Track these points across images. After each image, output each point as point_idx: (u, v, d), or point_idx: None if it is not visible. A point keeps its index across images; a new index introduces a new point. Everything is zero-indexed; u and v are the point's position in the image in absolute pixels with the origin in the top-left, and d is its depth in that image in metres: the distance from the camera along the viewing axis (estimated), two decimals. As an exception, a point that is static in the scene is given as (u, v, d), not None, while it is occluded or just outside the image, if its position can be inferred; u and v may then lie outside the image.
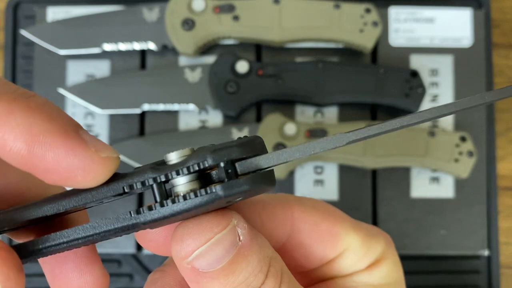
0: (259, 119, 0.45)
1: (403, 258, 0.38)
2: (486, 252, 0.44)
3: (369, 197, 0.44)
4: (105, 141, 0.45)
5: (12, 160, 0.16)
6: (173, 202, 0.17)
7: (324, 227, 0.23)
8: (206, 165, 0.17)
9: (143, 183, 0.17)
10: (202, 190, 0.17)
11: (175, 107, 0.44)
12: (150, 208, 0.17)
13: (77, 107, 0.45)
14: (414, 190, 0.45)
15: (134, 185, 0.17)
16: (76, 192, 0.17)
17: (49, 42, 0.45)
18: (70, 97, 0.44)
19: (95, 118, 0.45)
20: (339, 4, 0.44)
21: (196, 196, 0.17)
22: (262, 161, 0.17)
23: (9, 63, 0.46)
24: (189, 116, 0.45)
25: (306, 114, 0.45)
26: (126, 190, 0.17)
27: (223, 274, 0.18)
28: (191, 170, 0.17)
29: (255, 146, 0.18)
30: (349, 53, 0.45)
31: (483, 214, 0.45)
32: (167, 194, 0.17)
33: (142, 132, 0.45)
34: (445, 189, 0.45)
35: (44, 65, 0.45)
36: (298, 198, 0.24)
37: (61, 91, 0.44)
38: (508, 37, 0.49)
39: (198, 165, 0.17)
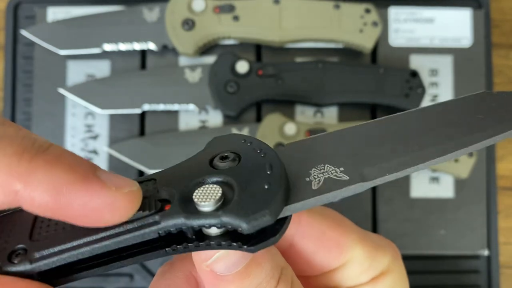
0: (259, 119, 0.45)
1: (403, 258, 0.38)
2: (485, 252, 0.44)
3: (369, 197, 0.45)
4: (105, 141, 0.45)
5: (41, 213, 0.17)
6: (207, 245, 0.18)
7: (331, 236, 0.24)
8: (241, 231, 0.18)
9: (178, 229, 0.18)
10: (235, 245, 0.18)
11: (175, 107, 0.44)
12: (185, 247, 0.18)
13: (77, 107, 0.45)
14: (414, 190, 0.45)
15: (170, 231, 0.18)
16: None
17: (49, 42, 0.45)
18: (70, 97, 0.44)
19: (95, 118, 0.45)
20: (339, 4, 0.44)
21: (229, 246, 0.18)
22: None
23: (10, 63, 0.46)
24: (189, 116, 0.45)
25: (306, 114, 0.45)
26: (161, 234, 0.18)
27: (238, 278, 0.19)
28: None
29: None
30: (349, 53, 0.46)
31: (483, 214, 0.45)
32: (201, 236, 0.18)
33: (142, 132, 0.45)
34: (445, 189, 0.45)
35: (44, 65, 0.45)
36: None
37: (61, 91, 0.44)
38: (508, 37, 0.49)
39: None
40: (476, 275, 0.45)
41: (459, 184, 0.45)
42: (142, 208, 0.18)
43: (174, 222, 0.18)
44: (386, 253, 0.25)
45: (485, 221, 0.45)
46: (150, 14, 0.45)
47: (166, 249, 0.18)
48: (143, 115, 0.45)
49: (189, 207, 0.18)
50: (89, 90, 0.44)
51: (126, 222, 0.18)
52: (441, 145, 0.20)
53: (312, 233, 0.24)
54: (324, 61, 0.44)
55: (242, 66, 0.43)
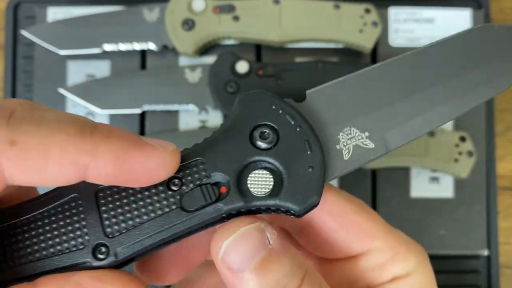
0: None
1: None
2: (485, 252, 0.44)
3: (369, 197, 0.45)
4: (105, 141, 0.45)
5: (107, 181, 0.19)
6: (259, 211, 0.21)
7: (354, 220, 0.23)
8: (293, 212, 0.20)
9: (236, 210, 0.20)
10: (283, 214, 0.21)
11: (175, 107, 0.44)
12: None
13: (77, 107, 0.45)
14: (413, 190, 0.45)
15: (232, 213, 0.20)
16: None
17: (49, 42, 0.45)
18: (71, 97, 0.44)
19: (96, 118, 0.45)
20: (339, 4, 0.44)
21: (276, 212, 0.21)
22: None
23: (10, 63, 0.46)
24: (189, 116, 0.45)
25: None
26: (223, 216, 0.20)
27: (255, 273, 0.19)
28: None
29: None
30: (349, 53, 0.46)
31: (483, 214, 0.45)
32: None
33: (142, 132, 0.45)
34: (445, 189, 0.45)
35: (44, 65, 0.45)
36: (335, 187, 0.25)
37: (62, 91, 0.44)
38: (508, 37, 0.49)
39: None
40: (476, 275, 0.45)
41: (459, 184, 0.45)
42: (203, 195, 0.20)
43: (235, 207, 0.20)
44: (411, 252, 0.24)
45: (485, 221, 0.45)
46: (150, 14, 0.45)
47: (225, 219, 0.21)
48: (143, 115, 0.45)
49: (245, 193, 0.20)
50: (89, 90, 0.44)
51: (193, 211, 0.20)
52: (455, 99, 0.21)
53: (336, 212, 0.23)
54: (324, 61, 0.44)
55: (242, 66, 0.43)
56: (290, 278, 0.20)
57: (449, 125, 0.45)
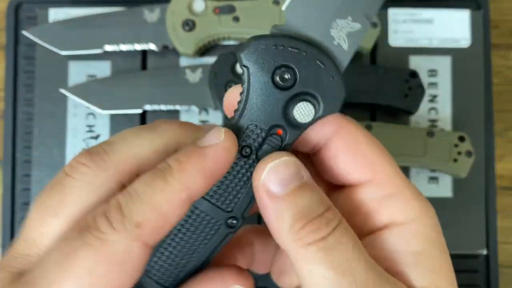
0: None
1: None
2: (484, 252, 0.45)
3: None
4: (106, 141, 0.45)
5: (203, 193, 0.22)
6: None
7: (365, 149, 0.24)
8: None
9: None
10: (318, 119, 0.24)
11: (175, 107, 0.44)
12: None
13: (78, 108, 0.45)
14: (413, 190, 0.45)
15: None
16: None
17: (51, 43, 0.45)
18: (72, 97, 0.45)
19: (97, 119, 0.45)
20: (338, 5, 0.44)
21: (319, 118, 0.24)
22: None
23: (11, 63, 0.46)
24: (190, 116, 0.45)
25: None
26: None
27: (289, 197, 0.22)
28: None
29: None
30: (349, 53, 0.46)
31: (482, 214, 0.45)
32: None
33: (143, 132, 0.45)
34: (444, 189, 0.45)
35: (45, 66, 0.46)
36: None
37: (63, 91, 0.45)
38: (507, 37, 0.49)
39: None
40: (475, 274, 0.45)
41: (458, 183, 0.45)
42: (271, 146, 0.23)
43: (294, 138, 0.24)
44: (416, 198, 0.24)
45: (484, 220, 0.45)
46: (151, 15, 0.45)
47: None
48: (143, 115, 0.45)
49: (296, 125, 0.23)
50: (90, 91, 0.44)
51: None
52: None
53: (348, 139, 0.24)
54: (323, 61, 0.44)
55: (242, 67, 0.44)
56: (316, 207, 0.22)
57: (448, 125, 0.45)
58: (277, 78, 0.23)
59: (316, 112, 0.23)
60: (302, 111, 0.23)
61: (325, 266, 0.21)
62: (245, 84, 0.23)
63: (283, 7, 0.23)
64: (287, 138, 0.23)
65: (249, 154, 0.24)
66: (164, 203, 0.21)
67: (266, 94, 0.23)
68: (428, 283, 0.23)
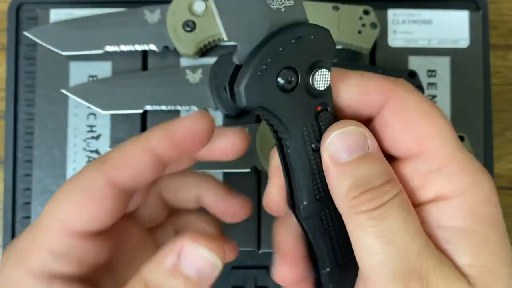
0: (259, 119, 0.45)
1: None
2: (483, 251, 0.45)
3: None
4: (107, 141, 0.45)
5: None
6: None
7: (415, 119, 0.23)
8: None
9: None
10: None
11: (176, 107, 0.44)
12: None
13: (79, 108, 0.45)
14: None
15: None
16: None
17: (52, 44, 0.45)
18: (73, 97, 0.45)
19: (97, 119, 0.45)
20: (337, 6, 0.44)
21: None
22: None
23: (12, 64, 0.47)
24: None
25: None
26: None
27: (352, 165, 0.22)
28: None
29: None
30: (348, 54, 0.46)
31: (481, 213, 0.45)
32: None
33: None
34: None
35: (46, 66, 0.46)
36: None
37: (64, 91, 0.45)
38: (506, 38, 0.50)
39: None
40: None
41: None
42: (325, 121, 0.24)
43: (330, 105, 0.24)
44: (467, 171, 0.23)
45: (483, 220, 0.45)
46: (151, 15, 0.45)
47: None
48: (144, 115, 0.45)
49: (321, 93, 0.24)
50: (91, 91, 0.45)
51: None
52: None
53: (400, 107, 0.24)
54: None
55: (242, 67, 0.44)
56: (376, 178, 0.22)
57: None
58: (285, 86, 0.23)
59: (329, 70, 0.24)
60: (320, 80, 0.23)
61: (372, 235, 0.22)
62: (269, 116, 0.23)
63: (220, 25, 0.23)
64: (329, 108, 0.24)
65: (318, 148, 0.24)
66: (129, 151, 0.26)
67: (291, 103, 0.23)
68: (472, 261, 0.22)
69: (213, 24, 0.44)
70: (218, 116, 0.45)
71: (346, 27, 0.44)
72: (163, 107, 0.44)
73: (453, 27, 0.46)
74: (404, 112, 0.24)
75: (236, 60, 0.23)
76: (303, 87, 0.23)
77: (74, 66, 0.46)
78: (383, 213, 0.22)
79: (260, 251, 0.43)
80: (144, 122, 0.45)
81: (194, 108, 0.44)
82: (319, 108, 0.24)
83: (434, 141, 0.23)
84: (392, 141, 0.24)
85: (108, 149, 0.45)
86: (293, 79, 0.23)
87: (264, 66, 0.22)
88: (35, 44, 0.46)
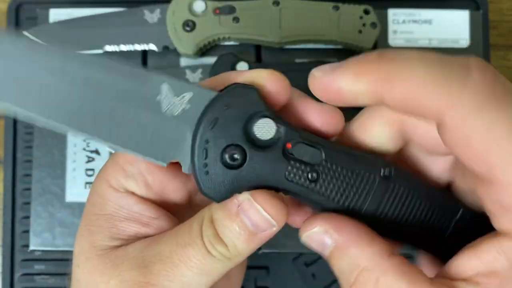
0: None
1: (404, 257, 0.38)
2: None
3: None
4: (106, 141, 0.45)
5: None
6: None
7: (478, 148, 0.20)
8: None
9: None
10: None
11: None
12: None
13: (79, 108, 0.45)
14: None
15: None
16: None
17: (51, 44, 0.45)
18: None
19: (97, 119, 0.45)
20: (338, 5, 0.44)
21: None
22: None
23: (12, 64, 0.47)
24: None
25: (305, 114, 0.45)
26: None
27: (331, 261, 0.23)
28: None
29: None
30: (348, 54, 0.46)
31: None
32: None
33: (143, 132, 0.45)
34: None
35: (46, 66, 0.46)
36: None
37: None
38: (506, 38, 0.50)
39: None
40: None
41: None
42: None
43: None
44: None
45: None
46: (151, 15, 0.45)
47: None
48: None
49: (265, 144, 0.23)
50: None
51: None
52: None
53: (459, 139, 0.20)
54: (323, 61, 0.44)
55: (242, 67, 0.44)
56: (349, 274, 0.23)
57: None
58: (230, 162, 0.23)
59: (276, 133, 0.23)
60: (261, 129, 0.23)
61: None
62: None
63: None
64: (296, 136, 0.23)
65: (316, 179, 0.23)
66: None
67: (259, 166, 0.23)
68: None
69: (213, 24, 0.44)
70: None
71: (346, 27, 0.44)
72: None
73: (453, 27, 0.46)
74: (466, 145, 0.20)
75: (187, 171, 0.24)
76: (255, 149, 0.23)
77: (73, 66, 0.46)
78: None
79: (260, 252, 0.43)
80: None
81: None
82: (288, 145, 0.23)
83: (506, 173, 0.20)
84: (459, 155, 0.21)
85: (108, 149, 0.45)
86: (238, 154, 0.23)
87: (205, 161, 0.22)
88: (34, 44, 0.46)
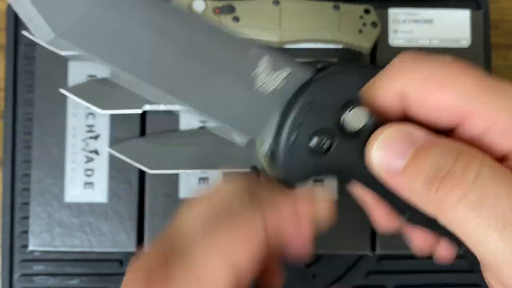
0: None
1: (403, 257, 0.38)
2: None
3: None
4: (106, 141, 0.45)
5: None
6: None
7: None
8: None
9: None
10: None
11: (175, 108, 0.44)
12: None
13: (78, 108, 0.45)
14: (413, 190, 0.45)
15: None
16: None
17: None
18: (72, 97, 0.45)
19: (96, 118, 0.45)
20: (338, 5, 0.44)
21: None
22: None
23: (11, 63, 0.46)
24: (190, 117, 0.45)
25: (305, 114, 0.45)
26: None
27: (411, 167, 0.20)
28: None
29: None
30: (349, 53, 0.46)
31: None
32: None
33: (143, 132, 0.45)
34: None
35: (45, 66, 0.46)
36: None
37: (63, 91, 0.45)
38: (507, 37, 0.49)
39: None
40: (476, 274, 0.45)
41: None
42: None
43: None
44: None
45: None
46: (151, 15, 0.45)
47: None
48: (143, 115, 0.45)
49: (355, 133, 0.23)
50: (90, 91, 0.44)
51: None
52: None
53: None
54: (323, 61, 0.44)
55: (242, 67, 0.44)
56: (444, 162, 0.19)
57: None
58: (316, 147, 0.22)
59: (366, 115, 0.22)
60: (355, 119, 0.22)
61: (482, 225, 0.18)
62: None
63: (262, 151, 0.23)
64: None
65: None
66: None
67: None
68: None
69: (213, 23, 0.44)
70: (218, 116, 0.45)
71: (346, 27, 0.44)
72: (162, 107, 0.44)
73: (454, 27, 0.46)
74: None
75: (264, 151, 0.23)
76: (342, 137, 0.22)
77: (73, 66, 0.46)
78: (478, 196, 0.18)
79: (260, 252, 0.43)
80: (143, 122, 0.45)
81: (194, 107, 0.44)
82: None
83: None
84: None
85: (107, 149, 0.44)
86: (326, 140, 0.22)
87: (291, 143, 0.22)
88: (34, 44, 0.46)
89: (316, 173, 0.22)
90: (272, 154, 0.22)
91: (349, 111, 0.22)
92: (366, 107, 0.22)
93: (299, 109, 0.22)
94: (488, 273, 0.22)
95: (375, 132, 0.21)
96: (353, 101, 0.22)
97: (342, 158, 0.22)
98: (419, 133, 0.20)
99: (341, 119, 0.22)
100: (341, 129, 0.22)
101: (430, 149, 0.20)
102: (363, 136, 0.22)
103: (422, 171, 0.19)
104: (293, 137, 0.22)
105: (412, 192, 0.20)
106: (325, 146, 0.22)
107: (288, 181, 0.22)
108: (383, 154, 0.21)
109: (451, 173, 0.19)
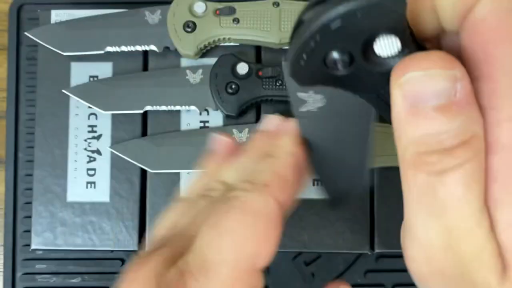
0: (259, 119, 0.45)
1: (401, 256, 0.38)
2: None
3: (367, 196, 0.45)
4: (108, 141, 0.45)
5: None
6: None
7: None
8: None
9: None
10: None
11: (176, 108, 0.45)
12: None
13: (80, 108, 0.45)
14: (411, 190, 0.45)
15: None
16: None
17: (53, 44, 0.45)
18: (74, 98, 0.45)
19: (98, 119, 0.45)
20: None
21: None
22: None
23: (13, 64, 0.47)
24: (191, 116, 0.45)
25: (305, 114, 0.45)
26: None
27: (426, 115, 0.18)
28: None
29: None
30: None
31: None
32: None
33: (144, 132, 0.45)
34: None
35: (47, 67, 0.46)
36: None
37: (65, 92, 0.45)
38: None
39: None
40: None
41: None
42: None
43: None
44: None
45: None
46: (152, 16, 0.45)
47: None
48: (145, 115, 0.45)
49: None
50: (92, 91, 0.45)
51: None
52: None
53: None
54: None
55: (242, 68, 0.44)
56: (451, 137, 0.18)
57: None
58: (330, 63, 0.21)
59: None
60: (384, 47, 0.20)
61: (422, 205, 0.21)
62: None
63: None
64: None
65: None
66: (281, 168, 0.25)
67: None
68: None
69: (213, 25, 0.44)
70: (218, 116, 0.45)
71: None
72: (164, 107, 0.45)
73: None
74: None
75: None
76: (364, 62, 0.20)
77: (75, 67, 0.46)
78: (440, 181, 0.18)
79: (260, 251, 0.43)
80: (144, 122, 0.46)
81: (194, 108, 0.44)
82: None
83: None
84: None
85: (109, 149, 0.45)
86: (341, 58, 0.21)
87: (309, 51, 0.20)
88: (36, 45, 0.46)
89: (322, 82, 0.21)
90: (293, 34, 0.21)
91: (381, 37, 0.20)
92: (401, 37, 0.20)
93: (328, 23, 0.20)
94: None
95: (426, 55, 0.18)
96: (389, 29, 0.20)
97: (359, 82, 0.21)
98: (464, 87, 0.18)
99: (370, 43, 0.20)
100: (366, 52, 0.20)
101: (453, 115, 0.18)
102: (387, 66, 0.20)
103: (427, 128, 0.18)
104: (311, 45, 0.20)
105: (404, 131, 0.19)
106: (341, 66, 0.21)
107: (294, 75, 0.21)
108: (418, 83, 0.18)
109: (442, 154, 0.18)
